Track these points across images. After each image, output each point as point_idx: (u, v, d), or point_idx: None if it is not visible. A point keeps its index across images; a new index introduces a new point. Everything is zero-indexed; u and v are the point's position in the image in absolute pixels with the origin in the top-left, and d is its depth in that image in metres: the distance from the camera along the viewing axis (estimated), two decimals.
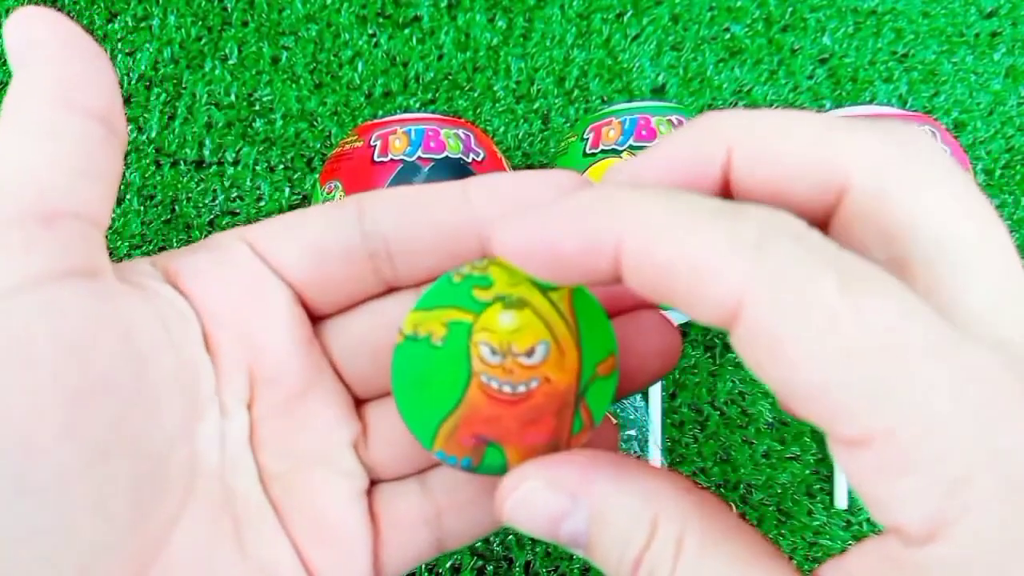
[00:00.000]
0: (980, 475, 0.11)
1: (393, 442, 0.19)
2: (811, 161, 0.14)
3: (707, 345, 0.42)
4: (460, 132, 0.37)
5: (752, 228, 0.12)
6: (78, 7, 0.46)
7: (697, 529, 0.14)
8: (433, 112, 0.44)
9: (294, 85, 0.45)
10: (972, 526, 0.11)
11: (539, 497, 0.15)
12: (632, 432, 0.41)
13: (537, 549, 0.40)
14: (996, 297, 0.13)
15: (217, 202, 0.44)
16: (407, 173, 0.35)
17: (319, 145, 0.45)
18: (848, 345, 0.12)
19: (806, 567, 0.40)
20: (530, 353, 0.16)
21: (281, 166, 0.45)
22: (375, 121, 0.38)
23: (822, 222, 0.14)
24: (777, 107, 0.45)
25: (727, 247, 0.12)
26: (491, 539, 0.40)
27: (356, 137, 0.37)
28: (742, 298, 0.12)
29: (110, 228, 0.44)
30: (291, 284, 0.18)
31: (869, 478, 0.12)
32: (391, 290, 0.19)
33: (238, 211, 0.44)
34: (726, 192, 0.15)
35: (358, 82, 0.46)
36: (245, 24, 0.46)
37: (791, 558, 0.14)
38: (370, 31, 0.46)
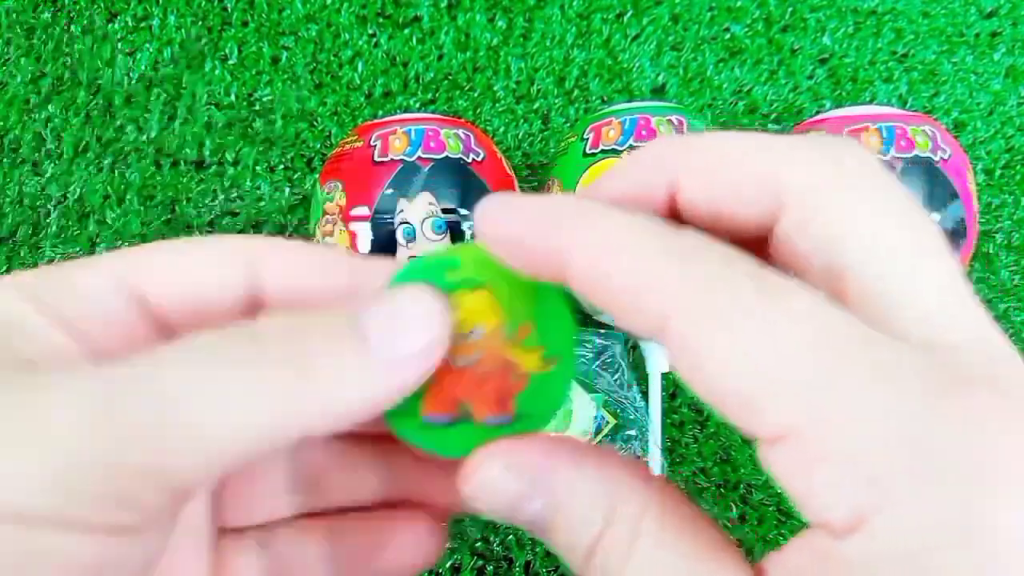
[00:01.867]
0: (895, 469, 0.12)
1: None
2: (747, 182, 0.15)
3: None
4: (460, 132, 0.37)
5: (680, 246, 0.14)
6: (78, 7, 0.46)
7: (655, 517, 0.14)
8: (433, 112, 0.44)
9: (294, 85, 0.45)
10: (891, 518, 0.12)
11: (499, 480, 0.16)
12: (632, 432, 0.41)
13: (537, 549, 0.40)
14: (929, 303, 0.14)
15: (217, 202, 0.44)
16: (407, 173, 0.35)
17: (319, 145, 0.45)
18: (762, 345, 0.12)
19: None
20: (473, 331, 0.19)
21: (281, 166, 0.45)
22: (375, 121, 0.38)
23: (763, 239, 0.15)
24: (776, 107, 0.45)
25: (657, 263, 0.13)
26: (491, 539, 0.40)
27: (356, 137, 0.37)
28: (668, 310, 0.13)
29: (110, 228, 0.44)
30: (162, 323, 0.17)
31: (790, 474, 0.13)
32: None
33: (238, 211, 0.44)
34: (675, 216, 0.16)
35: (358, 82, 0.46)
36: (245, 24, 0.46)
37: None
38: (370, 31, 0.46)
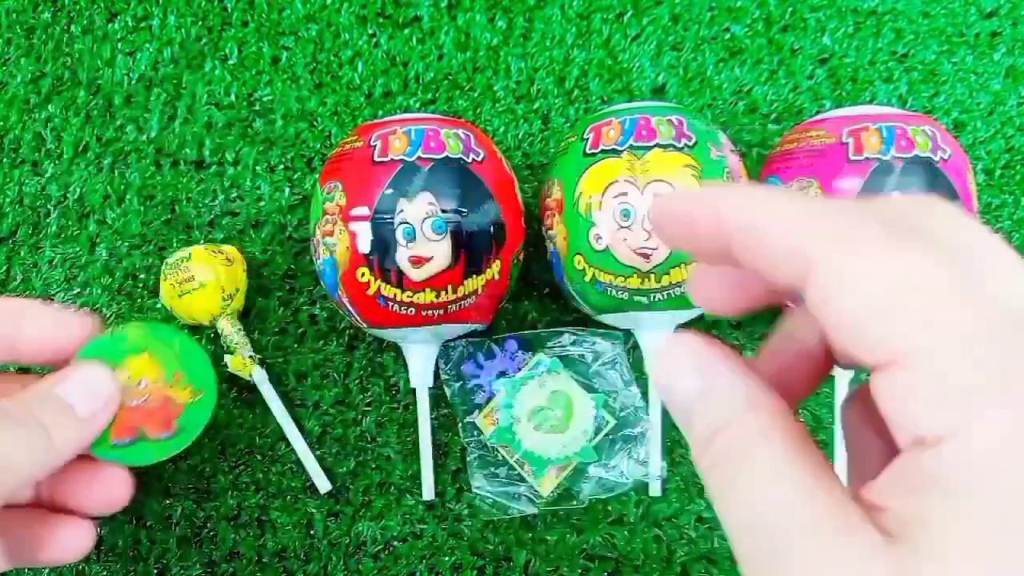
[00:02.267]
0: (989, 387, 0.14)
1: None
2: (778, 254, 0.17)
3: None
4: (460, 132, 0.37)
5: (818, 201, 0.17)
6: (78, 7, 0.46)
7: (783, 423, 0.17)
8: (433, 112, 0.44)
9: (294, 85, 0.45)
10: (982, 424, 0.14)
11: (679, 357, 0.19)
12: (632, 432, 0.41)
13: (537, 549, 0.40)
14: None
15: (217, 202, 0.44)
16: (407, 173, 0.35)
17: (319, 145, 0.45)
18: (888, 282, 0.15)
19: None
20: (141, 382, 0.31)
21: (281, 166, 0.45)
22: (375, 121, 0.38)
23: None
24: (777, 107, 0.45)
25: (801, 211, 0.16)
26: (491, 539, 0.40)
27: (356, 137, 0.37)
28: (812, 248, 0.16)
29: (110, 228, 0.44)
30: None
31: (895, 395, 0.15)
32: None
33: (238, 211, 0.44)
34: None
35: (358, 82, 0.46)
36: (245, 24, 0.46)
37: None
38: (370, 31, 0.46)
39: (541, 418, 0.40)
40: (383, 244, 0.34)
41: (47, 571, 0.40)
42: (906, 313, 0.15)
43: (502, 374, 0.41)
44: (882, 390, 0.15)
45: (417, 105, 0.45)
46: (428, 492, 0.40)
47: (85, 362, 0.30)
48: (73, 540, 0.31)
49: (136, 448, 0.32)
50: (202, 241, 0.43)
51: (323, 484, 0.40)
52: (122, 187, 0.44)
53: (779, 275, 0.17)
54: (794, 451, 0.16)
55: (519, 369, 0.41)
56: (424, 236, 0.34)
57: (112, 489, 0.32)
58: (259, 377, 0.40)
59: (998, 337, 0.14)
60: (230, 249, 0.41)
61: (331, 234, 0.36)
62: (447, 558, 0.40)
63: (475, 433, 0.40)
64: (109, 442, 0.31)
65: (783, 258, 0.16)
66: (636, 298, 0.36)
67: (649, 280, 0.35)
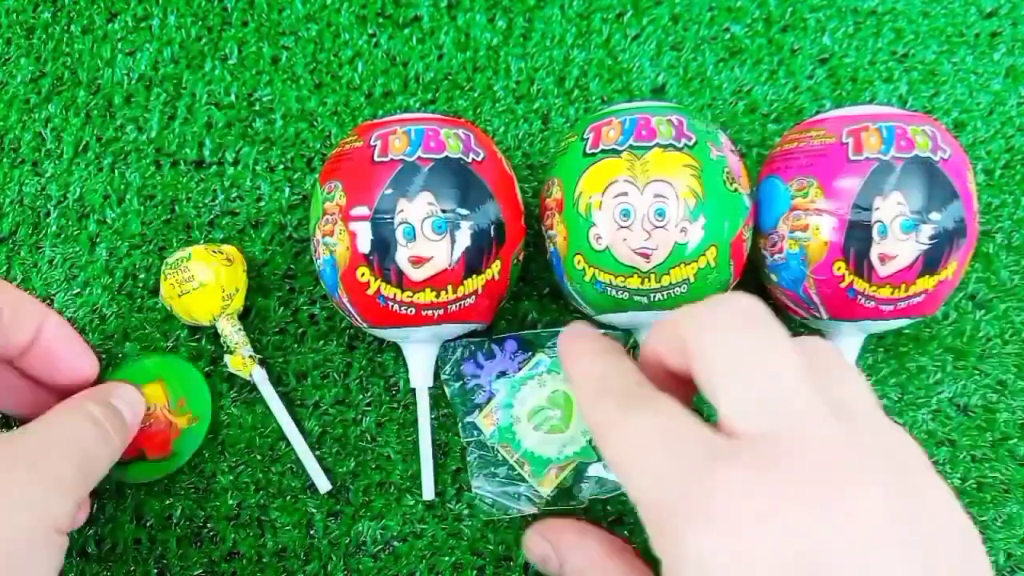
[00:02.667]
0: (673, 512, 0.21)
1: None
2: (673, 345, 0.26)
3: None
4: (460, 132, 0.37)
5: (696, 310, 0.26)
6: (78, 7, 0.46)
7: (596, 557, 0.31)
8: (433, 112, 0.44)
9: (294, 85, 0.45)
10: (667, 547, 0.22)
11: (535, 544, 0.34)
12: None
13: None
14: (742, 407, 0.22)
15: (217, 202, 0.44)
16: (407, 173, 0.35)
17: (319, 145, 0.45)
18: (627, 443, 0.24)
19: None
20: (151, 407, 0.39)
21: (281, 166, 0.45)
22: (375, 121, 0.38)
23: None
24: (776, 107, 0.45)
25: (686, 318, 0.26)
26: (491, 539, 0.40)
27: (356, 137, 0.37)
28: (688, 345, 0.25)
29: (110, 228, 0.44)
30: None
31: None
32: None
33: (238, 211, 0.44)
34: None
35: (358, 82, 0.46)
36: (245, 24, 0.46)
37: None
38: (370, 31, 0.46)
39: (541, 418, 0.40)
40: (383, 244, 0.34)
41: None
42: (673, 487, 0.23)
43: (502, 374, 0.41)
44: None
45: (417, 105, 0.45)
46: (428, 492, 0.40)
47: (120, 383, 0.38)
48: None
49: (134, 467, 0.38)
50: (202, 241, 0.43)
51: (323, 484, 0.40)
52: (122, 187, 0.44)
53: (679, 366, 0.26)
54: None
55: (519, 369, 0.41)
56: (424, 236, 0.34)
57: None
58: (259, 377, 0.40)
59: (687, 465, 0.22)
60: (230, 249, 0.41)
61: (331, 234, 0.36)
62: (447, 558, 0.40)
63: (475, 433, 0.40)
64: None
65: (676, 356, 0.26)
66: (636, 298, 0.36)
67: (649, 280, 0.35)
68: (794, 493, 0.19)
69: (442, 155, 0.35)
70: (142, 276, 0.43)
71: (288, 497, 0.41)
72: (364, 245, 0.35)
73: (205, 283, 0.39)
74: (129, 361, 0.41)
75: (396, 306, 0.35)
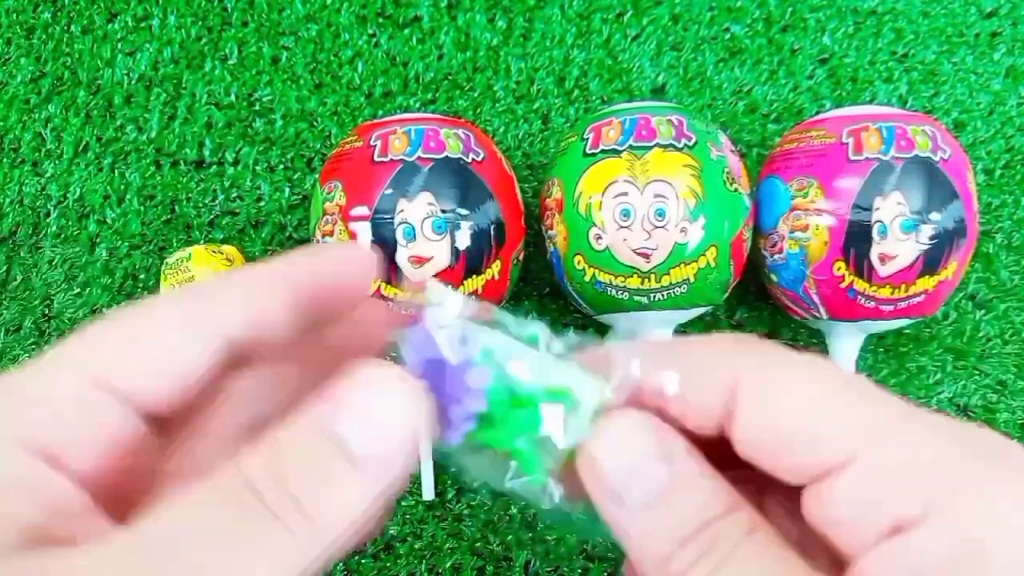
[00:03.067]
0: (953, 470, 0.15)
1: None
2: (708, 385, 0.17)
3: None
4: (460, 132, 0.37)
5: (737, 344, 0.18)
6: (78, 7, 0.46)
7: (766, 530, 0.16)
8: (433, 112, 0.44)
9: (294, 85, 0.45)
10: (957, 505, 0.14)
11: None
12: None
13: (537, 549, 0.40)
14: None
15: (217, 202, 0.44)
16: (407, 173, 0.35)
17: (319, 145, 0.45)
18: (814, 392, 0.16)
19: None
20: None
21: (281, 166, 0.45)
22: (375, 121, 0.38)
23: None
24: (777, 107, 0.45)
25: (722, 353, 0.18)
26: (491, 539, 0.40)
27: (356, 137, 0.37)
28: (737, 382, 0.17)
29: (110, 228, 0.44)
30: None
31: (858, 492, 0.15)
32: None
33: (238, 211, 0.44)
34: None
35: (358, 82, 0.46)
36: (245, 24, 0.46)
37: None
38: (370, 31, 0.46)
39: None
40: (383, 244, 0.34)
41: None
42: (840, 415, 0.16)
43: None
44: (830, 497, 0.15)
45: (417, 105, 0.45)
46: (428, 492, 0.40)
47: (375, 373, 0.16)
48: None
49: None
50: (202, 241, 0.43)
51: None
52: (122, 187, 0.44)
53: (704, 410, 0.17)
54: (780, 552, 0.16)
55: None
56: (424, 236, 0.34)
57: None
58: None
59: (926, 424, 0.16)
60: (230, 249, 0.41)
61: (331, 234, 0.36)
62: (447, 558, 0.40)
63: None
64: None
65: (708, 389, 0.17)
66: (636, 298, 0.36)
67: (649, 280, 0.35)
68: None
69: (442, 155, 0.35)
70: (142, 276, 0.43)
71: None
72: (364, 245, 0.35)
73: None
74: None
75: (396, 306, 0.36)
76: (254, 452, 0.16)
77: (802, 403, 0.16)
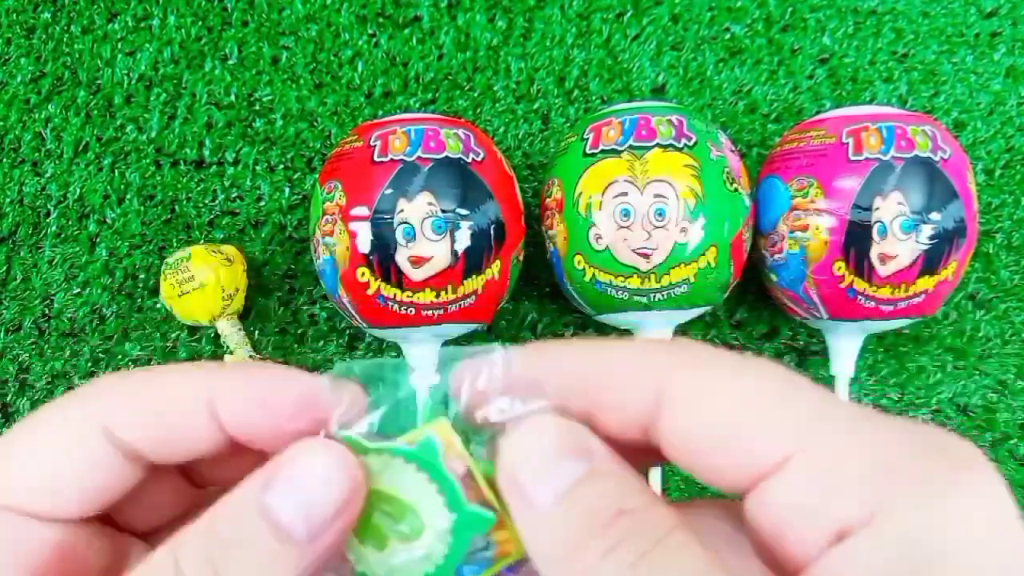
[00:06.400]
0: (899, 471, 0.14)
1: None
2: (630, 386, 0.16)
3: None
4: (460, 132, 0.37)
5: (663, 346, 0.17)
6: (78, 7, 0.46)
7: (689, 530, 0.15)
8: (433, 112, 0.44)
9: (294, 85, 0.45)
10: (903, 507, 0.13)
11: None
12: None
13: None
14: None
15: (217, 202, 0.44)
16: (407, 173, 0.35)
17: (319, 145, 0.45)
18: (755, 393, 0.15)
19: None
20: None
21: (281, 166, 0.45)
22: (375, 121, 0.38)
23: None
24: (777, 107, 0.45)
25: (647, 352, 0.16)
26: None
27: (356, 137, 0.37)
28: (664, 383, 0.16)
29: (110, 228, 0.44)
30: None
31: (798, 497, 0.14)
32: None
33: (238, 211, 0.44)
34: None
35: (358, 82, 0.46)
36: (245, 24, 0.46)
37: None
38: (370, 31, 0.46)
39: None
40: (383, 244, 0.34)
41: None
42: (774, 413, 0.15)
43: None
44: (769, 503, 0.14)
45: (417, 105, 0.45)
46: None
47: (305, 445, 0.16)
48: None
49: None
50: (202, 241, 0.43)
51: None
52: (122, 187, 0.44)
53: (625, 416, 0.16)
54: (702, 552, 0.15)
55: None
56: (424, 236, 0.34)
57: None
58: None
59: (871, 424, 0.14)
60: (230, 249, 0.41)
61: (331, 234, 0.36)
62: None
63: None
64: None
65: (632, 392, 0.16)
66: (636, 298, 0.36)
67: (649, 280, 0.35)
68: None
69: (442, 155, 0.35)
70: (142, 276, 0.43)
71: None
72: (364, 245, 0.35)
73: (205, 283, 0.39)
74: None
75: (396, 306, 0.35)
76: (190, 531, 0.16)
77: (734, 401, 0.15)
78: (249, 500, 0.15)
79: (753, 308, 0.43)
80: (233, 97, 0.45)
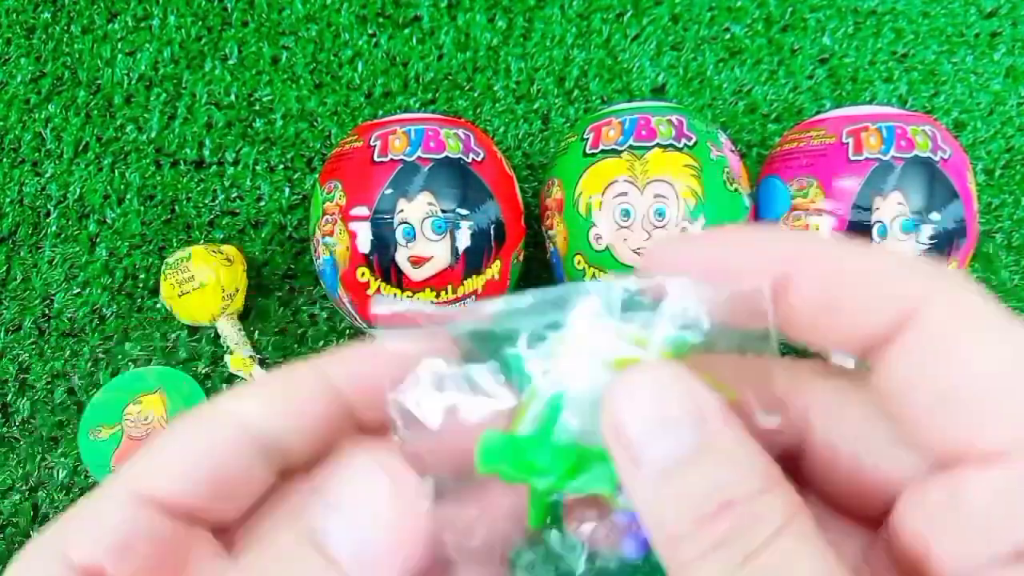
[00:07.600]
0: None
1: None
2: (877, 304, 0.14)
3: None
4: (460, 132, 0.37)
5: (924, 262, 0.13)
6: (78, 7, 0.46)
7: (807, 518, 0.13)
8: (433, 112, 0.44)
9: (294, 85, 0.45)
10: None
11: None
12: None
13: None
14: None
15: (217, 202, 0.44)
16: (407, 173, 0.35)
17: (319, 145, 0.45)
18: (1015, 359, 0.12)
19: None
20: (148, 415, 0.33)
21: (281, 166, 0.45)
22: (375, 121, 0.38)
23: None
24: (777, 107, 0.45)
25: (904, 265, 0.13)
26: None
27: (356, 137, 0.37)
28: (918, 304, 0.13)
29: (110, 228, 0.44)
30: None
31: (995, 495, 0.12)
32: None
33: (238, 211, 0.44)
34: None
35: (358, 82, 0.46)
36: (245, 24, 0.46)
37: None
38: (370, 31, 0.46)
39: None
40: (383, 244, 0.34)
41: None
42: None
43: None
44: (974, 483, 0.12)
45: (417, 105, 0.45)
46: None
47: (359, 461, 0.15)
48: None
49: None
50: (202, 241, 0.43)
51: None
52: (122, 187, 0.44)
53: (860, 324, 0.14)
54: (818, 550, 0.13)
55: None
56: (424, 236, 0.34)
57: None
58: (259, 377, 0.40)
59: None
60: (230, 249, 0.41)
61: (331, 234, 0.36)
62: None
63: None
64: (110, 469, 0.33)
65: (880, 310, 0.13)
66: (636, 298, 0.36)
67: None
68: None
69: (442, 155, 0.35)
70: (142, 276, 0.43)
71: None
72: (364, 245, 0.35)
73: (205, 283, 0.39)
74: (130, 372, 0.41)
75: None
76: (243, 570, 0.14)
77: (1001, 367, 0.12)
78: (305, 532, 0.14)
79: None
80: (233, 97, 0.45)
